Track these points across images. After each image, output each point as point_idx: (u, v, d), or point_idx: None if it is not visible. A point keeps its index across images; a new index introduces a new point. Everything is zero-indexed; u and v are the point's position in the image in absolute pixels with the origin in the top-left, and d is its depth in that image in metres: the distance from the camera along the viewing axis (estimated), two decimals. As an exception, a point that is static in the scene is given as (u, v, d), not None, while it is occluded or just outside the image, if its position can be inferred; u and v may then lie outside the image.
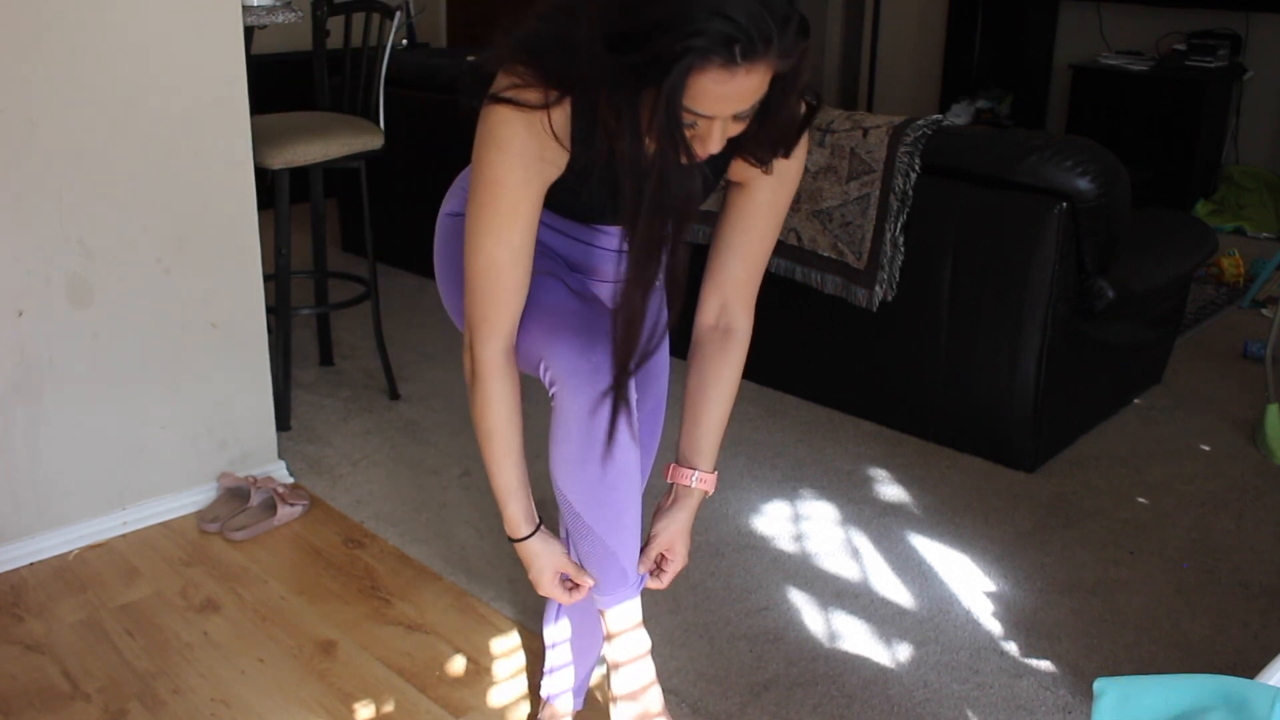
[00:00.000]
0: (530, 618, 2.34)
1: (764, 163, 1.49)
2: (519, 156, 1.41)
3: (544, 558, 1.63)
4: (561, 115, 1.41)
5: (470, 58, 1.48)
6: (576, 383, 1.50)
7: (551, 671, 1.97)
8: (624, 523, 1.59)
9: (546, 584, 1.63)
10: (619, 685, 1.69)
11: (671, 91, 1.24)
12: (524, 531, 1.61)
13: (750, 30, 1.22)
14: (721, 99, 1.27)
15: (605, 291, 1.76)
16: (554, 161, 1.44)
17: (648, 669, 1.70)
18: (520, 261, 1.49)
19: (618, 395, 1.50)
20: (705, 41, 1.21)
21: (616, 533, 1.59)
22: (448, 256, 1.74)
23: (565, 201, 1.58)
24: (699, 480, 1.67)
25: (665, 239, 1.40)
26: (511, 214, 1.45)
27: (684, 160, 1.32)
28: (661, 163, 1.31)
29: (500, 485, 1.59)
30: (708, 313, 1.68)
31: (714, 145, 1.34)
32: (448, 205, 1.76)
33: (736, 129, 1.35)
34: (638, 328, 1.46)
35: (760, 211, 1.61)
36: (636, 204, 1.36)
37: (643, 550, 1.67)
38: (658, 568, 1.69)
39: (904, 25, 6.35)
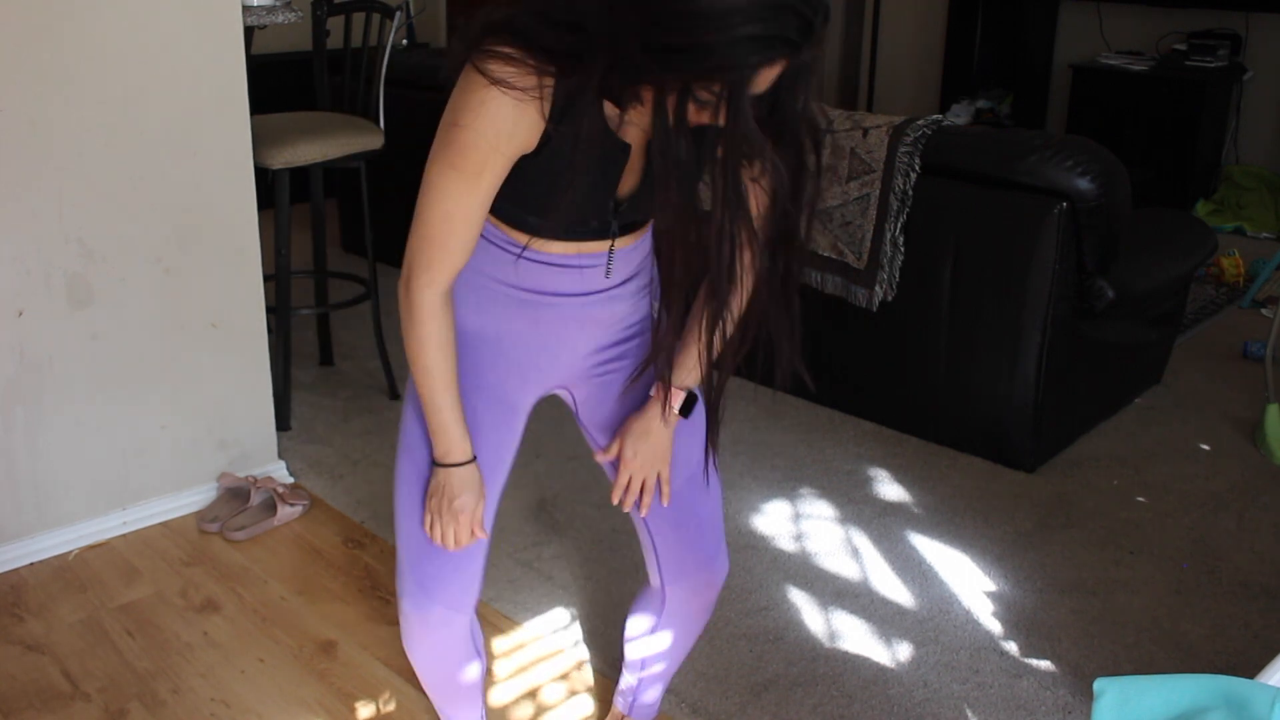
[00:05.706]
0: (530, 617, 2.34)
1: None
2: (497, 131, 1.41)
3: (478, 486, 1.60)
4: (546, 92, 1.40)
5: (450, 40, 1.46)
6: (421, 624, 1.65)
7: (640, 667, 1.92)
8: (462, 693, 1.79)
9: (471, 509, 1.58)
10: None
11: (740, 90, 1.24)
12: (464, 457, 1.58)
13: (815, 27, 1.23)
14: (763, 84, 1.28)
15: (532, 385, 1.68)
16: (530, 132, 1.43)
17: None
18: (476, 222, 1.51)
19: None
20: (771, 48, 1.22)
21: (454, 703, 1.81)
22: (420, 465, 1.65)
23: (549, 204, 1.51)
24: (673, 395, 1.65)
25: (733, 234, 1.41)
26: (476, 177, 1.46)
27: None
28: (729, 156, 1.31)
29: (441, 417, 1.57)
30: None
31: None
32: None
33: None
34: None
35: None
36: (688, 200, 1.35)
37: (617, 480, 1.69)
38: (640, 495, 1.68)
39: (904, 25, 6.34)
